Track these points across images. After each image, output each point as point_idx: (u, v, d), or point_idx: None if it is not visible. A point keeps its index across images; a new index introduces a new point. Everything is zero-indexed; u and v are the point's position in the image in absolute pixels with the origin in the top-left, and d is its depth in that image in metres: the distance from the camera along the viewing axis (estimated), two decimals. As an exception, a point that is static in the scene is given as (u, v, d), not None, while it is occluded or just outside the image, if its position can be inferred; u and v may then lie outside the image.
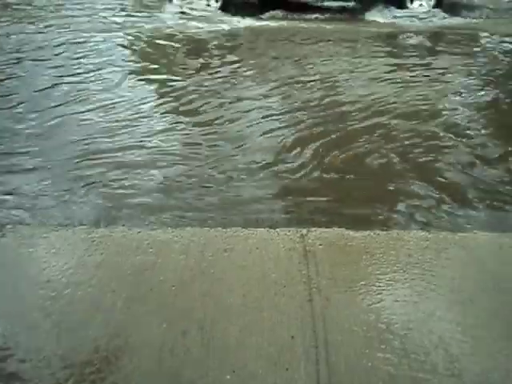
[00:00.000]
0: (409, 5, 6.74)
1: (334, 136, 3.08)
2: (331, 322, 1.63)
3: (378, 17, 6.69)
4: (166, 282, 1.82)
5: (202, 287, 1.79)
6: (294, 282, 1.80)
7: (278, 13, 6.65)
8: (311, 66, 4.50)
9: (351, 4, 6.88)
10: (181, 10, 6.49)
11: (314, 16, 6.67)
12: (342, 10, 6.97)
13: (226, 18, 6.34)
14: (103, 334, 1.59)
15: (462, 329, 1.60)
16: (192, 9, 6.52)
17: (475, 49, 5.40)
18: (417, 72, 4.40)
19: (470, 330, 1.60)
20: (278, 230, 2.12)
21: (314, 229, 2.09)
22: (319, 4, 6.91)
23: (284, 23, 6.35)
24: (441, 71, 4.44)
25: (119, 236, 2.13)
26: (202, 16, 6.36)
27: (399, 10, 6.71)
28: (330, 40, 5.48)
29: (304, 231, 2.07)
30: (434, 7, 6.75)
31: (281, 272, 1.85)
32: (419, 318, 1.64)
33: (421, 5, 6.77)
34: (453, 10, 6.96)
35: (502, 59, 4.93)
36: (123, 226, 2.21)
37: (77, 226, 2.21)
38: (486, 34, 5.92)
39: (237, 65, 4.51)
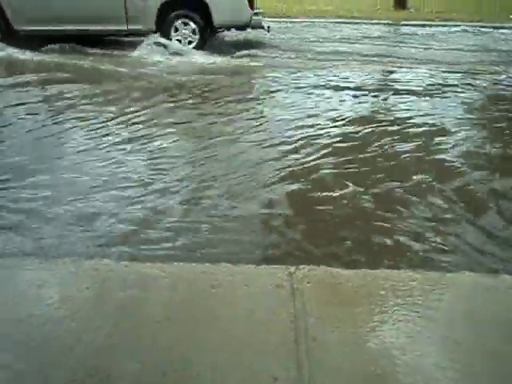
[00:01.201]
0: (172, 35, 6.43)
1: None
2: (317, 363, 1.60)
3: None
4: (151, 318, 1.79)
5: (187, 324, 1.76)
6: (280, 320, 1.77)
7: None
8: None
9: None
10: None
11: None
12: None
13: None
14: (80, 371, 1.55)
15: (449, 372, 1.57)
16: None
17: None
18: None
19: (457, 373, 1.57)
20: (265, 266, 2.11)
21: (302, 266, 2.09)
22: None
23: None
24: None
25: (106, 269, 2.11)
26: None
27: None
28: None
29: (292, 269, 2.06)
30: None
31: (267, 310, 1.83)
32: (407, 360, 1.62)
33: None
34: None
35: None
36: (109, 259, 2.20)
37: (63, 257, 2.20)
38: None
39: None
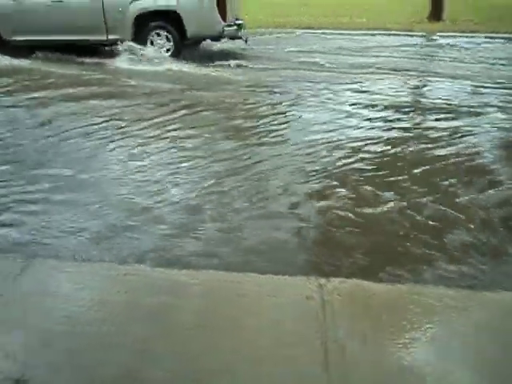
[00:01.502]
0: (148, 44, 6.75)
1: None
2: (347, 375, 1.59)
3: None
4: (181, 325, 1.83)
5: (215, 333, 1.78)
6: (309, 332, 1.77)
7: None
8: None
9: None
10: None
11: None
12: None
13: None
14: (114, 373, 1.60)
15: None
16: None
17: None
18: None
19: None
20: (295, 277, 2.12)
21: (332, 279, 2.08)
22: None
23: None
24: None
25: (142, 274, 2.17)
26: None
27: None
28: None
29: (322, 281, 2.05)
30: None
31: (296, 321, 1.83)
32: (436, 378, 1.59)
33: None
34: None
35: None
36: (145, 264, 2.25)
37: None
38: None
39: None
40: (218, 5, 6.58)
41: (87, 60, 6.93)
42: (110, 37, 6.82)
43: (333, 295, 1.97)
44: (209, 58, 7.06)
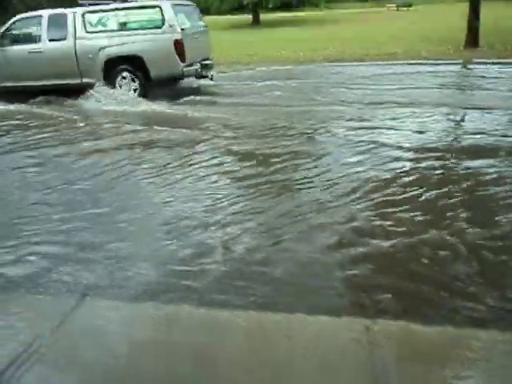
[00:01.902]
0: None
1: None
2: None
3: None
4: (227, 366, 1.85)
5: (261, 375, 1.79)
6: (358, 376, 1.75)
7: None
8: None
9: None
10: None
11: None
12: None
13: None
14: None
15: None
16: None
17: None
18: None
19: None
20: (341, 318, 2.10)
21: (379, 320, 2.06)
22: None
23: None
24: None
25: (185, 314, 2.22)
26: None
27: None
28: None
29: (368, 322, 2.03)
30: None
31: (344, 365, 1.82)
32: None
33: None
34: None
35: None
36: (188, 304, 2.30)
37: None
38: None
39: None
40: (176, 49, 7.29)
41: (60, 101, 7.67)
42: (84, 80, 7.66)
43: (380, 338, 1.94)
44: (177, 95, 7.64)
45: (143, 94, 7.43)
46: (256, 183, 3.81)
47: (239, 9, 29.84)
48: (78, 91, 7.51)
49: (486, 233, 2.82)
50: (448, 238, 2.78)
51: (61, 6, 8.09)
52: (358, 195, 3.43)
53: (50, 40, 7.67)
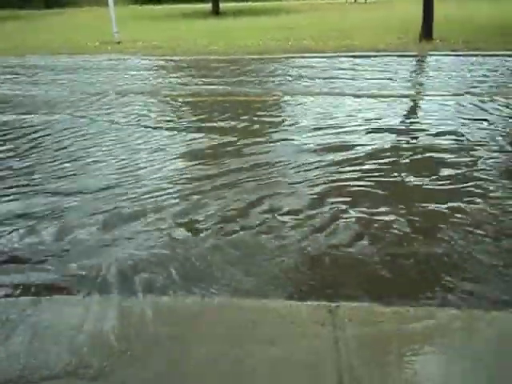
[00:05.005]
0: None
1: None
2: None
3: None
4: (192, 356, 1.82)
5: (226, 365, 1.77)
6: (323, 361, 1.76)
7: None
8: None
9: None
10: None
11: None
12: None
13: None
14: None
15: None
16: None
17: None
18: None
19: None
20: (306, 303, 2.11)
21: (343, 303, 2.08)
22: None
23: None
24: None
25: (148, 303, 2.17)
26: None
27: None
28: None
29: (333, 306, 2.05)
30: None
31: (309, 350, 1.82)
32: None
33: None
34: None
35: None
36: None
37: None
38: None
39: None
40: None
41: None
42: None
43: (344, 321, 1.96)
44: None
45: None
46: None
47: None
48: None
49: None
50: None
51: None
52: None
53: None
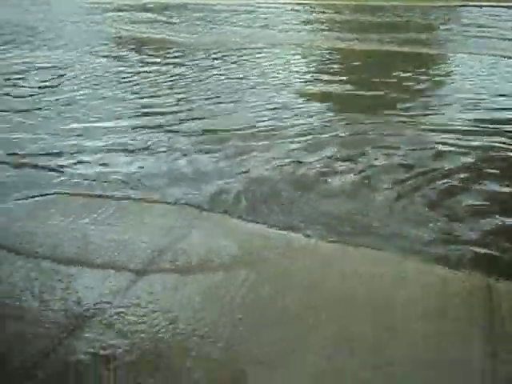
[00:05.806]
0: None
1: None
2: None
3: None
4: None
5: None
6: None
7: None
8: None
9: None
10: None
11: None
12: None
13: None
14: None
15: None
16: None
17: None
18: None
19: None
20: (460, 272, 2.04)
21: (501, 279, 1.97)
22: None
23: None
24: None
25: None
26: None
27: None
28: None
29: (491, 280, 1.95)
30: None
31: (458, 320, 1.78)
32: None
33: None
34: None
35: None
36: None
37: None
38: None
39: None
40: None
41: None
42: None
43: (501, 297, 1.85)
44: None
45: None
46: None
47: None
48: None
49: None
50: None
51: None
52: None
53: None
